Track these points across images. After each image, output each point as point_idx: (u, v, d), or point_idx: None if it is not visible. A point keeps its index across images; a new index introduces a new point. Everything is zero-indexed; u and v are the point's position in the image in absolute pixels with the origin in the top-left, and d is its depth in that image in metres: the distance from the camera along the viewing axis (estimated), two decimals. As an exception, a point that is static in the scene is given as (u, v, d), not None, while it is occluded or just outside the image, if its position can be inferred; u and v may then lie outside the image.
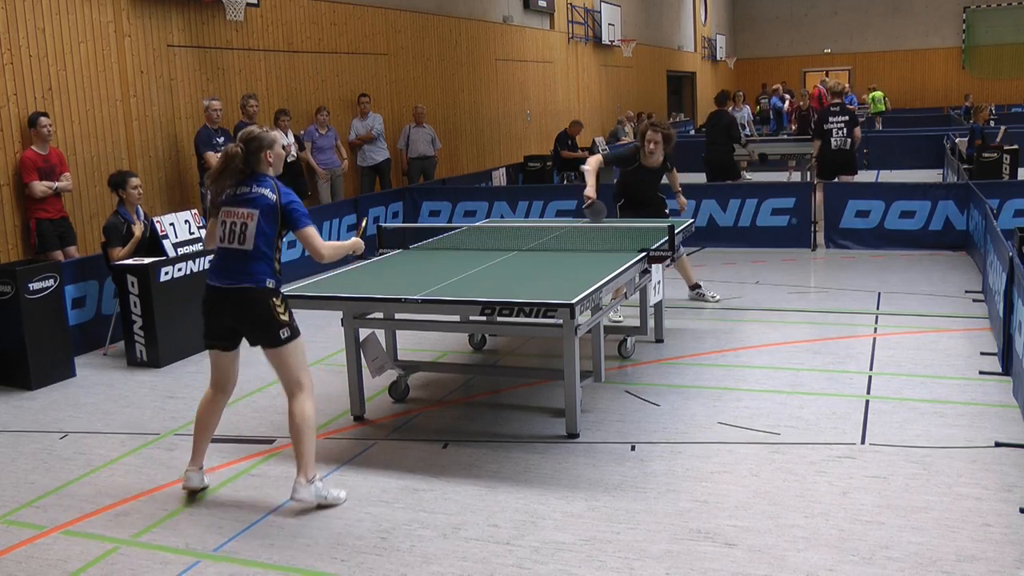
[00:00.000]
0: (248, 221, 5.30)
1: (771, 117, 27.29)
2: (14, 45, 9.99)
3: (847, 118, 13.81)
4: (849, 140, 13.76)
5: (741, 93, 25.78)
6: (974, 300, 9.48)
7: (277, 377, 5.51)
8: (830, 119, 13.87)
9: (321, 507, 5.34)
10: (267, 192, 5.33)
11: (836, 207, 12.77)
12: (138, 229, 8.88)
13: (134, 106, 11.48)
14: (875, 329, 8.68)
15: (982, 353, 7.72)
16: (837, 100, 14.21)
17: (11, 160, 9.85)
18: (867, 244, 12.52)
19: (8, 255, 9.73)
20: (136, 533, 5.20)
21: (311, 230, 5.41)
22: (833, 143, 13.81)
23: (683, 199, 9.97)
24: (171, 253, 8.83)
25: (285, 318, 5.35)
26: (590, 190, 8.80)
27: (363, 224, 6.37)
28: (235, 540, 5.05)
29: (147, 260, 8.64)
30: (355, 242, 5.75)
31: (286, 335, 5.33)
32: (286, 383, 5.44)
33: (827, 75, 39.35)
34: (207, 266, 9.03)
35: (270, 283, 5.34)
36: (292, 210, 5.37)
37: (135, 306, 8.52)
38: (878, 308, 9.41)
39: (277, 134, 5.54)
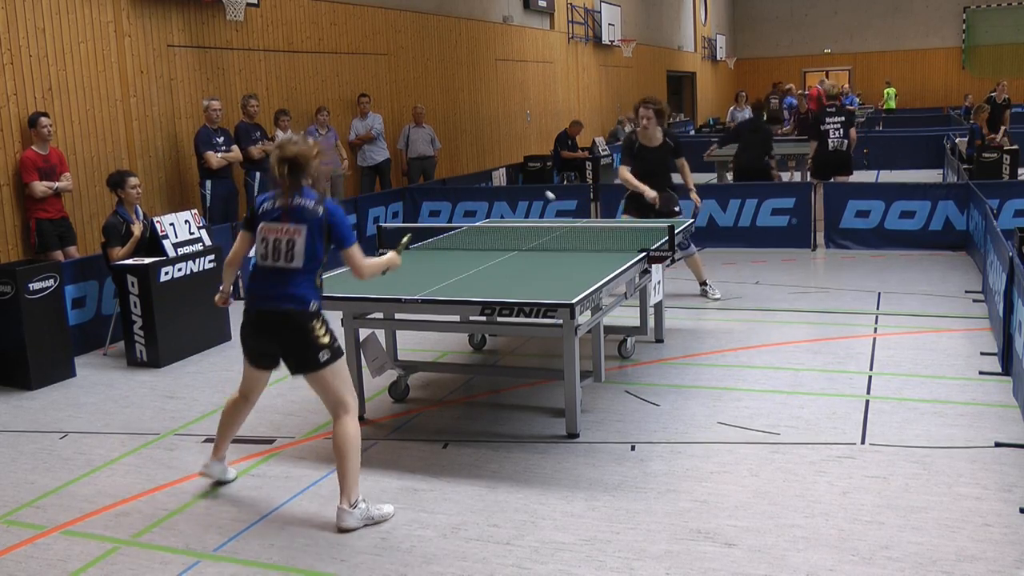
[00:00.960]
0: (295, 237, 5.07)
1: (787, 116, 27.11)
2: (14, 45, 9.99)
3: (843, 118, 13.88)
4: (845, 141, 13.82)
5: (744, 93, 25.78)
6: (974, 300, 9.48)
7: (321, 400, 5.33)
8: (827, 120, 13.92)
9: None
10: (312, 204, 5.09)
11: (836, 207, 12.78)
12: (137, 229, 8.88)
13: (134, 106, 11.48)
14: (875, 329, 8.68)
15: (982, 353, 7.72)
16: (833, 102, 14.27)
17: (11, 160, 9.85)
18: (867, 244, 12.52)
19: (8, 255, 9.73)
20: (136, 533, 5.20)
21: (355, 249, 5.17)
22: (830, 144, 13.86)
23: (696, 197, 10.03)
24: (171, 253, 8.82)
25: (325, 340, 5.13)
26: (648, 191, 9.27)
27: (404, 239, 5.82)
28: (235, 540, 5.05)
29: (147, 260, 8.64)
30: (391, 258, 5.51)
31: (325, 357, 5.12)
32: (328, 405, 5.27)
33: (827, 75, 39.43)
34: (209, 266, 9.06)
35: (314, 305, 5.13)
36: (337, 225, 5.13)
37: (135, 306, 8.51)
38: (878, 308, 9.41)
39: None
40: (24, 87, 10.10)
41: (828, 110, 14.09)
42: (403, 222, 14.32)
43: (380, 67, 16.49)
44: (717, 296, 9.97)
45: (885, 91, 37.99)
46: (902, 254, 12.08)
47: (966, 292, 9.87)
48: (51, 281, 8.15)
